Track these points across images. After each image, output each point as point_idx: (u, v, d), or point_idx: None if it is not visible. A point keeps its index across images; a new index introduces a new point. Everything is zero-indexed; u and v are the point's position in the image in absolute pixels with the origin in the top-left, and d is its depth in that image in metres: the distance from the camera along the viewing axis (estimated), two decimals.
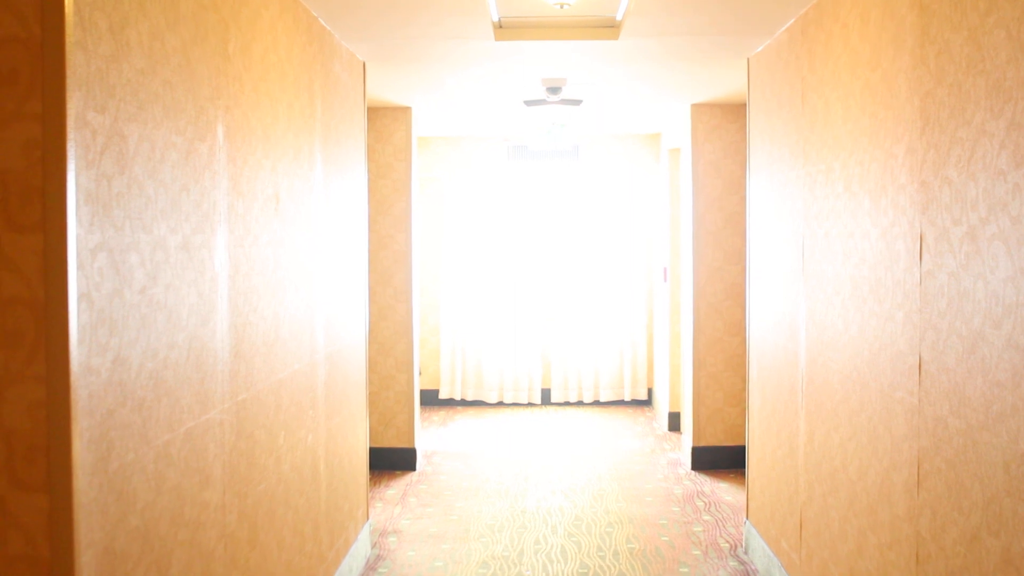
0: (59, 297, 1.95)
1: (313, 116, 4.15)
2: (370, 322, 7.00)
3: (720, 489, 6.54)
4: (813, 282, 4.04)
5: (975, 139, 2.45)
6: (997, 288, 2.33)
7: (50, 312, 1.95)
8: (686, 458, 7.23)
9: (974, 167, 2.46)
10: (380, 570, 5.03)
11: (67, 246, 1.96)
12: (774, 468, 4.73)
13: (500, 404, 9.69)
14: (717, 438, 7.12)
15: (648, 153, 9.45)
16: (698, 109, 7.12)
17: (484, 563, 5.08)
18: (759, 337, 5.04)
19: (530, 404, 9.68)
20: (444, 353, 9.62)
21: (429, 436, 8.26)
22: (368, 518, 5.32)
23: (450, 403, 9.72)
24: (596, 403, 9.72)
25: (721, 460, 7.09)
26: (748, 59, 5.25)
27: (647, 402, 9.71)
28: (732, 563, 5.07)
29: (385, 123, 7.17)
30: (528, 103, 6.40)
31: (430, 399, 9.68)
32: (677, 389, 8.29)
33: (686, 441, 7.34)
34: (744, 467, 6.85)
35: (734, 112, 7.12)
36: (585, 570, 4.97)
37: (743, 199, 7.02)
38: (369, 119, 7.09)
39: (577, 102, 6.32)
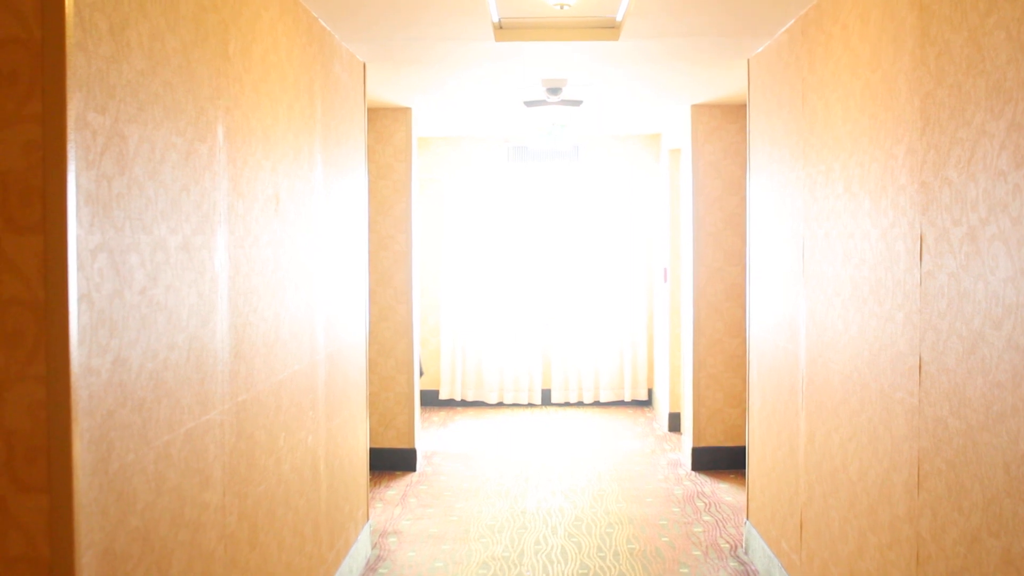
0: (59, 298, 1.95)
1: (313, 117, 4.15)
2: (370, 323, 7.00)
3: (720, 490, 6.54)
4: (813, 283, 4.04)
5: (975, 140, 2.45)
6: (997, 289, 2.33)
7: (50, 313, 1.96)
8: (686, 458, 7.23)
9: (974, 168, 2.46)
10: (380, 571, 5.03)
11: (67, 247, 1.96)
12: (774, 469, 4.73)
13: (500, 405, 9.69)
14: (717, 439, 7.12)
15: (648, 154, 9.45)
16: (698, 110, 7.13)
17: (484, 564, 5.08)
18: (759, 338, 5.04)
19: (530, 405, 9.68)
20: (444, 353, 9.62)
21: (429, 437, 8.26)
22: (368, 519, 5.33)
23: (450, 403, 9.72)
24: (596, 403, 9.72)
25: (721, 461, 7.09)
26: (748, 60, 5.25)
27: (647, 403, 9.71)
28: (732, 564, 5.07)
29: (385, 124, 7.17)
30: (528, 104, 6.41)
31: (430, 400, 9.68)
32: (677, 390, 8.29)
33: (686, 441, 7.34)
34: (744, 468, 6.85)
35: (734, 113, 7.12)
36: (585, 571, 4.97)
37: (743, 200, 7.02)
38: (369, 120, 7.10)
39: (577, 103, 6.33)
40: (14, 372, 1.96)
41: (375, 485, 6.71)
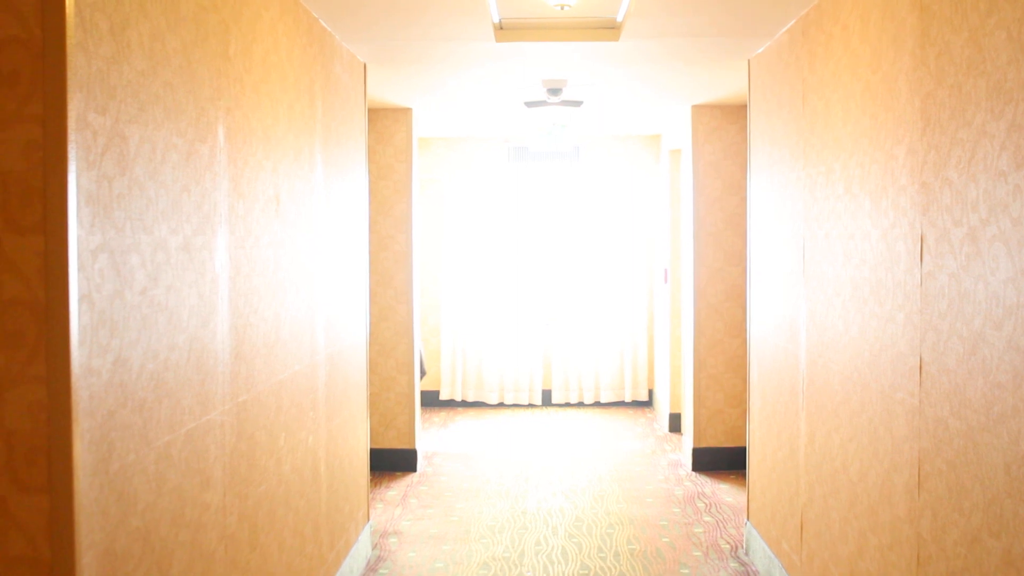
0: (60, 298, 1.95)
1: (314, 117, 4.15)
2: (371, 323, 7.00)
3: (721, 490, 6.54)
4: (814, 283, 4.04)
5: (976, 140, 2.45)
6: (998, 289, 2.33)
7: (51, 313, 1.96)
8: (687, 459, 7.23)
9: (975, 168, 2.46)
10: (381, 571, 5.03)
11: (68, 247, 1.96)
12: (775, 469, 4.73)
13: (501, 405, 9.69)
14: (718, 439, 7.12)
15: (648, 154, 9.45)
16: (699, 110, 7.13)
17: (485, 564, 5.08)
18: (760, 338, 5.04)
19: (531, 405, 9.68)
20: (444, 354, 9.62)
21: (430, 437, 8.26)
22: (369, 519, 5.32)
23: (451, 404, 9.72)
24: (597, 404, 9.72)
25: (722, 461, 7.09)
26: (748, 60, 5.25)
27: (648, 403, 9.71)
28: (733, 564, 5.06)
29: (386, 124, 7.17)
30: (529, 104, 6.41)
31: (430, 400, 9.68)
32: (678, 390, 8.29)
33: (687, 442, 7.34)
34: (745, 468, 6.84)
35: (735, 113, 7.12)
36: (586, 571, 4.97)
37: (743, 200, 7.02)
38: (370, 120, 7.10)
39: (578, 103, 6.33)
40: (14, 373, 1.96)
41: (375, 486, 6.71)
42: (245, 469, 3.12)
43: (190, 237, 2.62)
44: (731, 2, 4.07)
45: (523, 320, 9.67)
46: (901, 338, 3.01)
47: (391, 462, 7.12)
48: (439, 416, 9.23)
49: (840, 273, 3.66)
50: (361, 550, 5.06)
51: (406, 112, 7.17)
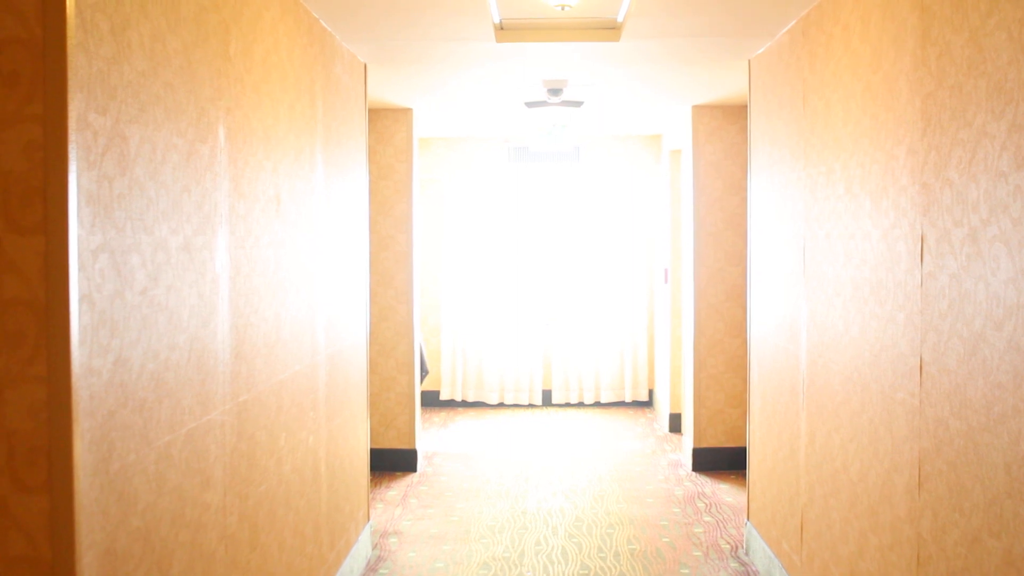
0: (60, 298, 1.96)
1: (314, 117, 4.15)
2: (371, 323, 7.01)
3: (721, 490, 6.54)
4: (814, 283, 4.04)
5: (976, 141, 2.45)
6: (998, 290, 2.33)
7: (51, 313, 1.96)
8: (687, 459, 7.23)
9: (975, 169, 2.46)
10: (381, 571, 5.03)
11: (68, 247, 1.96)
12: (775, 469, 4.73)
13: (501, 405, 9.69)
14: (718, 439, 7.12)
15: (649, 154, 9.45)
16: (699, 110, 7.13)
17: (485, 564, 5.08)
18: (760, 338, 5.04)
19: (531, 405, 9.68)
20: (445, 354, 9.62)
21: (430, 437, 8.26)
22: (369, 519, 5.33)
23: (451, 404, 9.72)
24: (597, 404, 9.72)
25: (722, 461, 7.08)
26: (749, 61, 5.26)
27: (648, 403, 9.71)
28: (733, 564, 5.06)
29: (386, 124, 7.17)
30: (529, 104, 6.41)
31: (431, 400, 9.68)
32: (678, 390, 8.29)
33: (687, 442, 7.34)
34: (745, 468, 6.84)
35: (735, 114, 7.12)
36: (586, 571, 4.97)
37: (744, 200, 7.02)
38: (370, 120, 7.10)
39: (578, 103, 6.33)
40: (15, 373, 1.96)
41: (376, 486, 6.71)
42: (245, 469, 3.13)
43: (190, 237, 2.63)
44: (731, 2, 4.07)
45: (523, 320, 9.67)
46: (902, 338, 3.01)
47: (391, 462, 7.12)
48: (439, 416, 9.23)
49: (840, 273, 3.66)
50: (361, 550, 5.06)
51: (406, 112, 7.17)
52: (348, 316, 4.82)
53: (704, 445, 7.11)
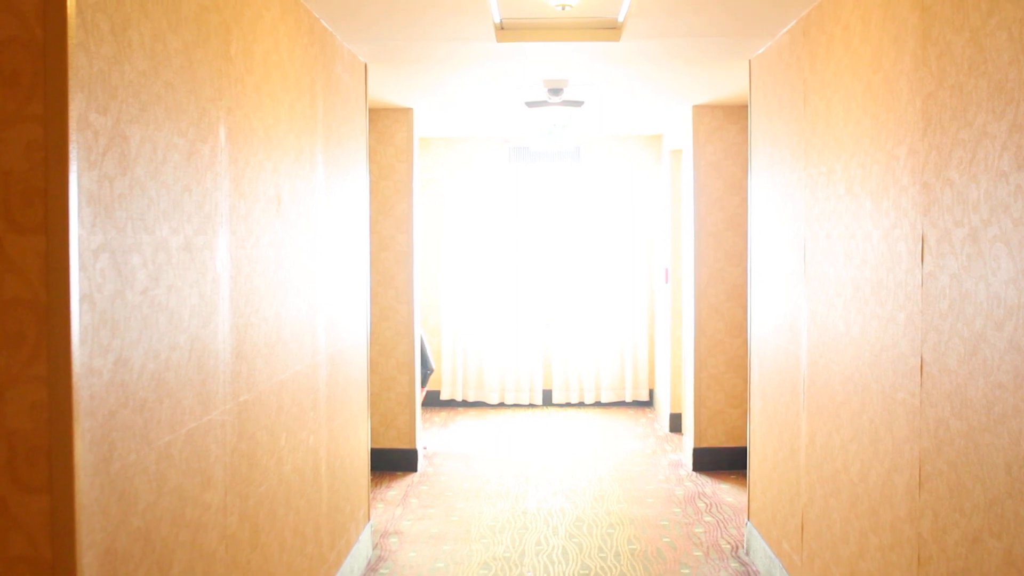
0: (61, 298, 1.96)
1: (315, 117, 4.15)
2: (371, 323, 7.01)
3: (721, 490, 6.54)
4: (814, 283, 4.04)
5: (977, 141, 2.45)
6: (999, 290, 2.33)
7: (52, 313, 1.96)
8: (687, 459, 7.23)
9: (976, 169, 2.46)
10: (381, 571, 5.03)
11: (69, 247, 1.96)
12: (775, 469, 4.73)
13: (501, 405, 9.69)
14: (718, 439, 7.12)
15: (649, 154, 9.45)
16: (699, 110, 7.12)
17: (485, 564, 5.08)
18: (760, 338, 5.04)
19: (531, 405, 9.68)
20: (445, 354, 9.63)
21: (430, 437, 8.26)
22: (369, 519, 5.33)
23: (451, 404, 9.72)
24: (597, 404, 9.72)
25: (722, 461, 7.08)
26: (749, 61, 5.25)
27: (648, 403, 9.71)
28: (733, 564, 5.06)
29: (386, 124, 7.17)
30: (529, 104, 6.41)
31: (431, 400, 9.68)
32: (678, 390, 8.29)
33: (687, 442, 7.34)
34: (745, 468, 6.84)
35: (735, 113, 7.12)
36: (586, 571, 4.97)
37: (744, 200, 7.02)
38: (371, 120, 7.10)
39: (578, 103, 6.32)
40: (15, 372, 1.96)
41: (376, 485, 6.71)
42: (246, 469, 3.13)
43: (191, 237, 2.63)
44: (732, 2, 4.07)
45: (524, 320, 9.67)
46: (902, 338, 3.01)
47: (392, 462, 7.12)
48: (440, 416, 9.23)
49: (841, 273, 3.66)
50: (362, 550, 5.06)
51: (407, 112, 7.17)
52: (349, 316, 4.82)
53: (704, 445, 7.10)
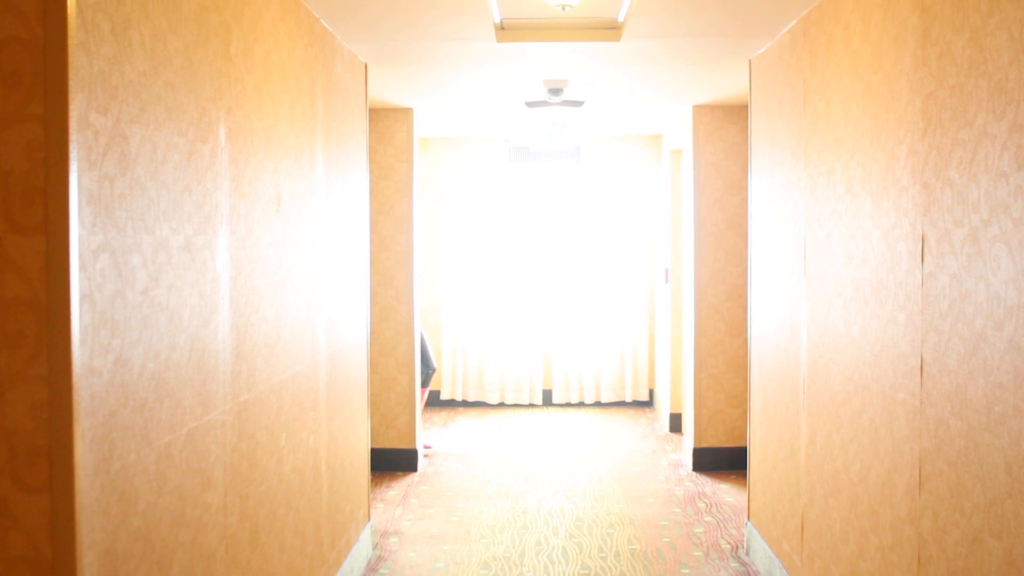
0: (61, 298, 1.96)
1: (315, 117, 4.15)
2: (371, 323, 7.01)
3: (721, 490, 6.54)
4: (814, 283, 4.04)
5: (977, 141, 2.45)
6: (999, 290, 2.33)
7: (52, 313, 1.96)
8: (687, 459, 7.23)
9: (976, 169, 2.46)
10: (381, 571, 5.03)
11: (69, 247, 1.96)
12: (775, 469, 4.73)
13: (501, 405, 9.69)
14: (718, 439, 7.12)
15: (649, 154, 9.45)
16: (699, 110, 7.12)
17: (485, 564, 5.08)
18: (760, 338, 5.04)
19: (531, 405, 9.68)
20: (445, 354, 9.63)
21: (430, 437, 8.26)
22: (369, 519, 5.33)
23: (451, 404, 9.72)
24: (597, 404, 9.72)
25: (722, 461, 7.08)
26: (749, 61, 5.25)
27: (648, 403, 9.71)
28: (733, 564, 5.06)
29: (387, 124, 7.17)
30: (529, 104, 6.41)
31: (431, 400, 9.68)
32: (678, 390, 8.29)
33: (687, 442, 7.34)
34: (745, 468, 6.84)
35: (736, 113, 7.12)
36: (586, 571, 4.97)
37: (744, 200, 7.02)
38: (371, 120, 7.10)
39: (578, 103, 6.32)
40: (16, 372, 1.96)
41: (376, 485, 6.71)
42: (246, 469, 3.13)
43: (191, 237, 2.63)
44: (732, 3, 4.07)
45: (524, 320, 9.67)
46: (902, 338, 3.01)
47: (392, 462, 7.12)
48: (440, 416, 9.23)
49: (841, 273, 3.66)
50: (362, 550, 5.06)
51: (407, 112, 7.17)
52: (349, 316, 4.82)
53: (704, 445, 7.10)
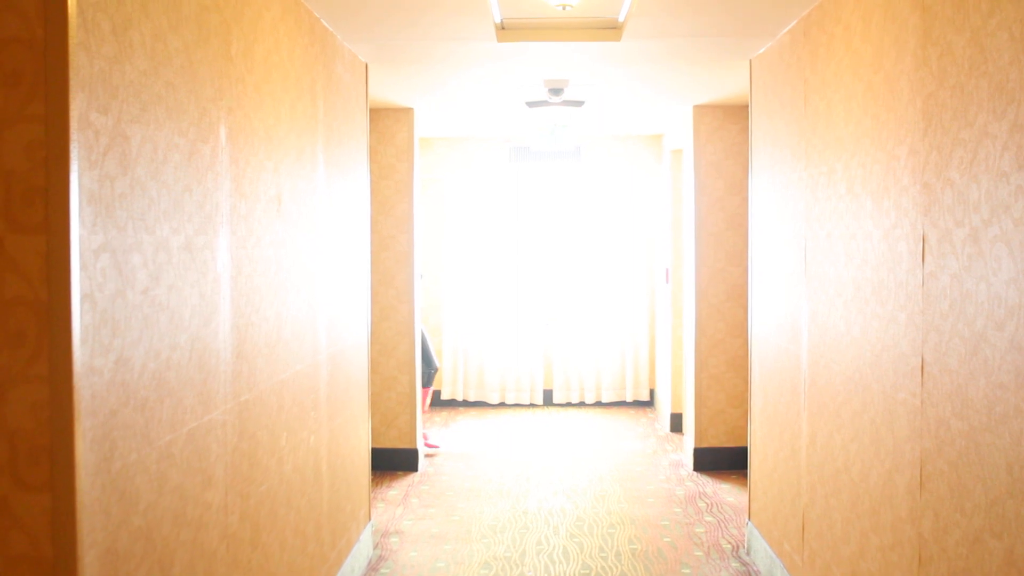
0: (62, 298, 1.96)
1: (315, 117, 4.15)
2: (372, 323, 7.01)
3: (722, 490, 6.54)
4: (815, 284, 4.04)
5: (978, 141, 2.45)
6: (1000, 290, 2.33)
7: (53, 313, 1.96)
8: (688, 459, 7.23)
9: (976, 169, 2.46)
10: (382, 571, 5.03)
11: (70, 247, 1.96)
12: (776, 469, 4.73)
13: (502, 405, 9.69)
14: (719, 439, 7.12)
15: (650, 154, 9.45)
16: (700, 110, 7.12)
17: (486, 564, 5.08)
18: (761, 338, 5.04)
19: (532, 405, 9.68)
20: (446, 354, 9.63)
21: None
22: (370, 519, 5.33)
23: (452, 404, 9.72)
24: (598, 404, 9.72)
25: (723, 461, 7.08)
26: (750, 61, 5.25)
27: (649, 403, 9.71)
28: (734, 564, 5.06)
29: (387, 124, 7.18)
30: (530, 104, 6.41)
31: (432, 399, 9.68)
32: (679, 390, 8.29)
33: (688, 442, 7.34)
34: (746, 468, 6.84)
35: (736, 113, 7.12)
36: (587, 571, 4.97)
37: (745, 200, 7.02)
38: (371, 120, 7.10)
39: (579, 103, 6.33)
40: (17, 372, 1.96)
41: (377, 485, 6.71)
42: (247, 468, 3.13)
43: (192, 237, 2.63)
44: (732, 2, 4.07)
45: (524, 320, 9.67)
46: (903, 338, 3.01)
47: (392, 461, 7.12)
48: (440, 416, 9.23)
49: (842, 273, 3.66)
50: (362, 549, 5.06)
51: (407, 112, 7.17)
52: (349, 316, 4.82)
53: (705, 445, 7.10)
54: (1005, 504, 2.30)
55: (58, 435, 1.97)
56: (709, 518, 5.89)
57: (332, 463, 4.43)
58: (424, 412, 7.76)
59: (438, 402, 9.69)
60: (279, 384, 3.54)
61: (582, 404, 9.72)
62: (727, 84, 6.15)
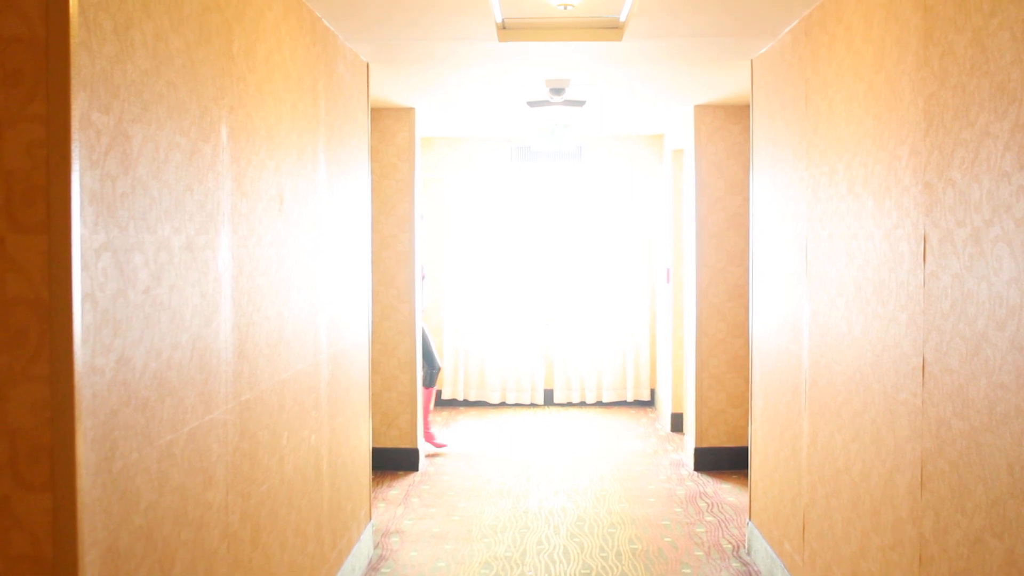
0: (63, 297, 1.96)
1: (317, 117, 4.15)
2: (373, 322, 7.01)
3: (723, 490, 6.54)
4: (816, 284, 4.04)
5: (979, 141, 2.45)
6: (1001, 290, 2.33)
7: (54, 312, 1.96)
8: (688, 459, 7.23)
9: (978, 169, 2.46)
10: (383, 570, 5.03)
11: (71, 246, 1.96)
12: (777, 469, 4.73)
13: (502, 404, 9.69)
14: (720, 439, 7.12)
15: (651, 154, 9.45)
16: (701, 110, 7.12)
17: (487, 563, 5.08)
18: (762, 338, 5.04)
19: (532, 405, 9.68)
20: (447, 353, 9.63)
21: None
22: (371, 518, 5.33)
23: (452, 403, 9.72)
24: (598, 404, 9.72)
25: (724, 461, 7.08)
26: (751, 60, 5.25)
27: (650, 403, 9.71)
28: (735, 564, 5.06)
29: (388, 124, 7.18)
30: (531, 104, 6.41)
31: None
32: (680, 390, 8.29)
33: (689, 442, 7.34)
34: (747, 468, 6.84)
35: (737, 113, 7.12)
36: (588, 571, 4.97)
37: (746, 200, 7.02)
38: (372, 120, 7.10)
39: (580, 103, 6.32)
40: (18, 371, 1.96)
41: (377, 485, 6.71)
42: (247, 468, 3.13)
43: (193, 236, 2.63)
44: (733, 2, 4.07)
45: (525, 319, 9.67)
46: (904, 338, 3.01)
47: (393, 461, 7.13)
48: (441, 415, 9.23)
49: (843, 273, 3.66)
50: (363, 549, 5.06)
51: (409, 111, 7.17)
52: (350, 315, 4.82)
53: (706, 445, 7.10)
54: (1006, 504, 2.30)
55: (59, 435, 1.97)
56: (710, 518, 5.89)
57: (333, 463, 4.43)
58: (430, 412, 7.75)
59: (439, 402, 9.69)
60: (280, 383, 3.54)
61: (583, 404, 9.72)
62: (728, 84, 6.15)
